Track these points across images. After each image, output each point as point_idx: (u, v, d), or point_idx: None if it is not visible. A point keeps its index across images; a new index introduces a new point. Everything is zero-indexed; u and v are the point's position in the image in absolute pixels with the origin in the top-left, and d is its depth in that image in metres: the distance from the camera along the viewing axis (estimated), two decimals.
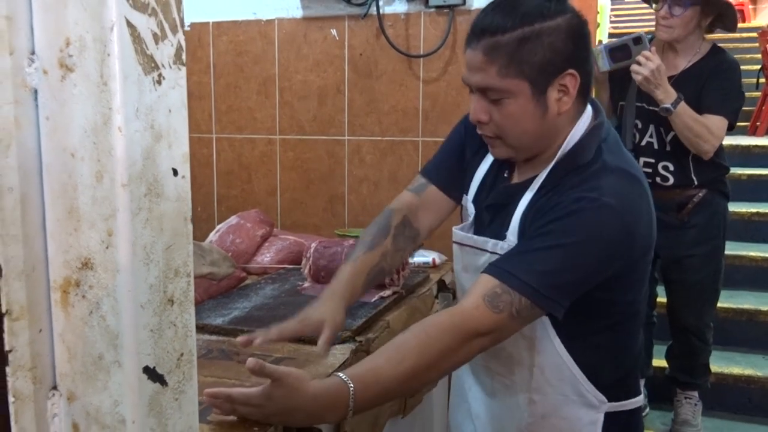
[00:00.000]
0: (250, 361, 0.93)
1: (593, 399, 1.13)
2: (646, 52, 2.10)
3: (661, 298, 2.53)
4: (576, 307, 1.03)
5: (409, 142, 2.28)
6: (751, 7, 8.58)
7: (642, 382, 2.57)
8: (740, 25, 6.72)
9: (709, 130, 2.13)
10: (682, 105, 2.10)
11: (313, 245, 1.82)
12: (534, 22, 1.00)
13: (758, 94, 4.97)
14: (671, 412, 2.52)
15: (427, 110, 2.25)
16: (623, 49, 2.16)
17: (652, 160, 2.28)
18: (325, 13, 2.31)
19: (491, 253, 1.15)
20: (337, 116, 2.35)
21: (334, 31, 2.32)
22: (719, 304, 2.47)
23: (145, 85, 0.43)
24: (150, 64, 0.44)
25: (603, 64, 2.19)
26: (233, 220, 2.04)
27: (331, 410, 0.94)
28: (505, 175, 1.21)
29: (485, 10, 1.04)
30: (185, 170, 0.47)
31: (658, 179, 2.28)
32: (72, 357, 0.45)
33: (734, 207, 3.34)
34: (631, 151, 2.30)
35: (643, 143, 2.29)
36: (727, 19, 2.23)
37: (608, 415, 1.15)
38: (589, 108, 1.13)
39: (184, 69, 0.47)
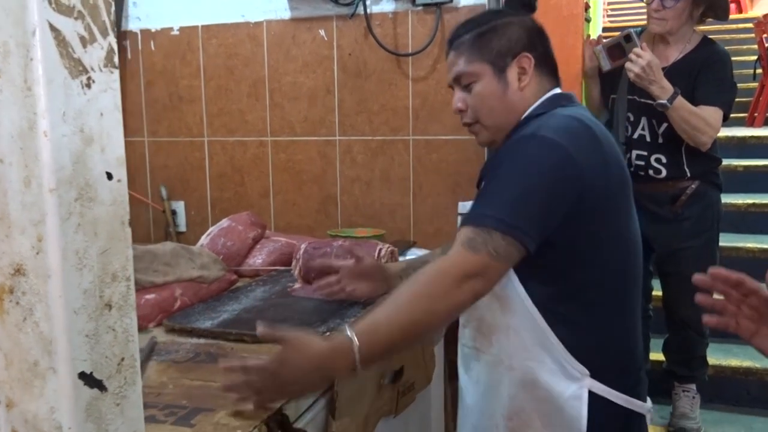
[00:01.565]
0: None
1: (573, 370, 1.14)
2: (636, 49, 2.10)
3: (657, 292, 2.51)
4: (542, 268, 1.12)
5: (399, 141, 2.28)
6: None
7: None
8: (737, 15, 6.69)
9: (706, 122, 2.13)
10: (679, 99, 2.09)
11: (303, 246, 1.82)
12: (489, 21, 1.27)
13: (755, 85, 4.94)
14: (669, 406, 2.50)
15: (417, 109, 2.24)
16: (618, 48, 2.18)
17: (645, 153, 2.27)
18: (312, 13, 2.31)
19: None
20: (327, 117, 2.34)
21: (322, 32, 2.31)
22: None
23: (72, 89, 0.43)
24: (77, 68, 0.44)
25: (604, 64, 2.23)
26: (225, 222, 2.04)
27: (340, 366, 1.01)
28: None
29: (455, 27, 1.32)
30: (121, 174, 0.47)
31: (651, 171, 2.27)
32: (9, 364, 0.45)
33: (730, 198, 3.32)
34: (624, 144, 2.29)
35: (636, 136, 2.28)
36: (719, 8, 2.22)
37: (597, 398, 1.15)
38: (557, 90, 1.28)
39: (116, 72, 0.46)
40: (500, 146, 1.27)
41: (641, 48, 2.11)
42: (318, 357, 1.00)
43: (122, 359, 0.48)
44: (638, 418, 1.21)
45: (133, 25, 2.54)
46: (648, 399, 1.25)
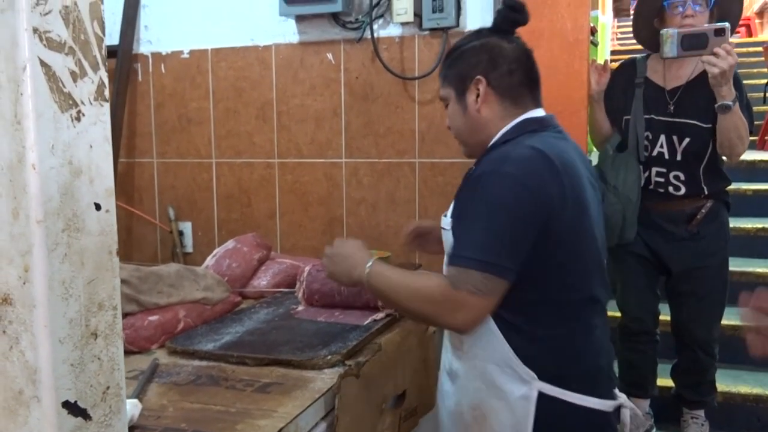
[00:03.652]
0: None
1: (523, 374, 1.24)
2: (727, 45, 1.99)
3: (663, 316, 2.49)
4: None
5: (405, 163, 2.29)
6: (757, 21, 8.52)
7: (647, 403, 2.53)
8: (746, 39, 6.68)
9: (747, 133, 2.13)
10: (737, 104, 2.08)
11: (307, 269, 1.83)
12: (460, 46, 1.36)
13: (765, 108, 4.91)
14: None
15: (423, 132, 2.25)
16: (699, 38, 2.01)
17: (664, 170, 2.27)
18: (320, 37, 2.34)
19: (442, 228, 1.37)
20: (334, 139, 2.36)
21: (330, 56, 2.34)
22: (726, 321, 2.42)
23: (62, 123, 0.44)
24: (68, 102, 0.45)
25: (669, 50, 2.04)
26: (230, 244, 2.05)
27: (355, 269, 1.35)
28: None
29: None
30: (109, 204, 0.47)
31: (670, 188, 2.27)
32: None
33: (739, 222, 3.29)
34: (643, 162, 2.29)
35: (654, 153, 2.28)
36: (732, 16, 2.22)
37: (549, 399, 1.23)
38: (533, 113, 1.33)
39: (106, 105, 0.47)
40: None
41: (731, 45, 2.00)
42: (351, 255, 1.38)
43: (107, 388, 0.48)
44: (603, 416, 1.28)
45: (144, 48, 2.58)
46: (617, 393, 1.33)
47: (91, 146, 0.46)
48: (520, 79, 1.31)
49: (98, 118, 0.47)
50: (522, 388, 1.24)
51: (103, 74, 0.48)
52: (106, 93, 0.48)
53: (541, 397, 1.23)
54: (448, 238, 1.30)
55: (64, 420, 0.46)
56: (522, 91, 1.32)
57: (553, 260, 1.22)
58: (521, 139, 1.26)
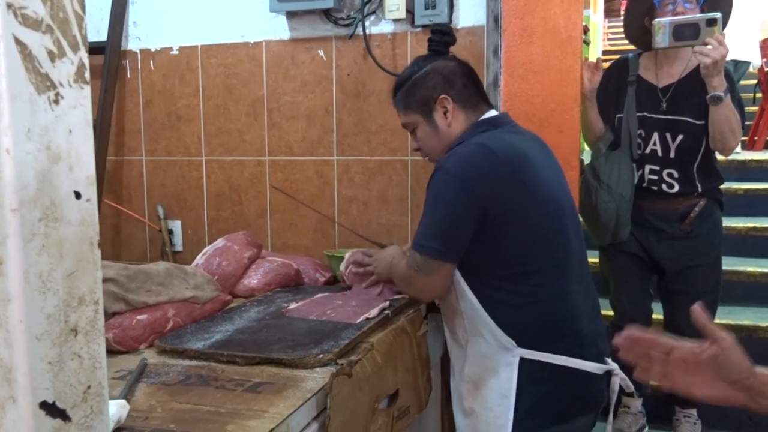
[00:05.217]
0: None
1: (504, 341, 1.41)
2: (718, 36, 1.99)
3: (656, 315, 2.48)
4: (473, 266, 1.43)
5: (398, 161, 2.26)
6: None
7: (639, 402, 2.52)
8: None
9: (739, 127, 2.12)
10: (728, 96, 2.07)
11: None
12: (410, 77, 1.54)
13: (755, 109, 4.94)
14: (670, 429, 2.46)
15: None
16: (691, 28, 2.01)
17: (657, 167, 2.27)
18: (312, 34, 2.31)
19: None
20: (325, 136, 2.34)
21: (321, 52, 2.31)
22: (718, 320, 2.43)
23: (38, 105, 0.41)
24: (45, 83, 0.42)
25: (661, 40, 2.04)
26: (220, 242, 2.02)
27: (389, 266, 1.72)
28: None
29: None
30: (90, 193, 0.45)
31: (664, 186, 2.26)
32: None
33: (731, 222, 3.30)
34: (636, 160, 2.28)
35: (648, 151, 2.27)
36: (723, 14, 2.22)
37: (530, 363, 1.39)
38: (486, 115, 1.53)
39: (87, 88, 0.45)
40: None
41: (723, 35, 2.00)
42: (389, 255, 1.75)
43: (88, 387, 0.46)
44: (584, 376, 1.41)
45: (132, 44, 2.54)
46: (608, 361, 1.46)
47: (70, 131, 0.44)
48: (472, 89, 1.53)
49: (78, 102, 0.44)
50: (505, 356, 1.41)
51: (84, 55, 0.45)
52: (87, 75, 0.45)
53: (523, 361, 1.39)
54: None
55: (42, 422, 0.44)
56: (476, 98, 1.53)
57: (506, 238, 1.39)
58: (473, 139, 1.44)
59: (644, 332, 1.02)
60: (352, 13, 2.23)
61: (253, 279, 1.98)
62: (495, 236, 1.39)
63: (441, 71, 1.52)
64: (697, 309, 0.98)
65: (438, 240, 1.41)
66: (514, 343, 1.40)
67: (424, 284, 1.48)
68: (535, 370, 1.40)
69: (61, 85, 0.43)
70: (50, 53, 0.42)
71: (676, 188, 2.25)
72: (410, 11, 2.17)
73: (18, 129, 0.40)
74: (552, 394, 1.41)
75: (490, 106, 1.56)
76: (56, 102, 0.43)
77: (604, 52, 6.10)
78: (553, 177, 1.49)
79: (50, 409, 0.44)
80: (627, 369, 2.49)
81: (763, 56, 5.03)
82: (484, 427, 1.45)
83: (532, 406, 1.40)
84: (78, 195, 0.45)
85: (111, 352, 1.44)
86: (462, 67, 1.55)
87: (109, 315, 1.47)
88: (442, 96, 1.49)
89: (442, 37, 1.59)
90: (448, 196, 1.40)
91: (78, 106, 0.44)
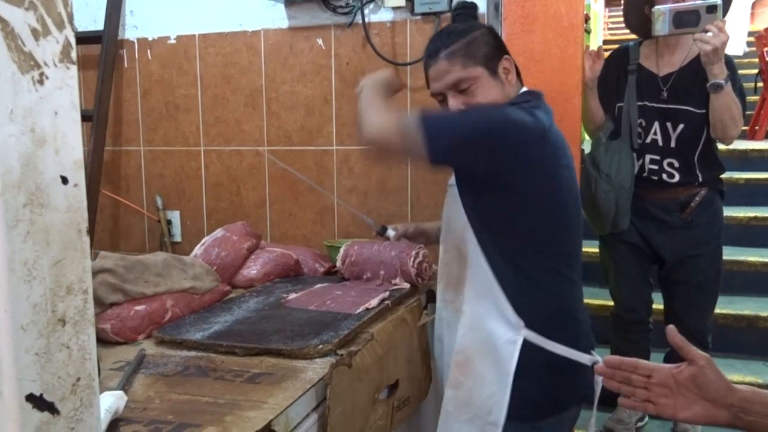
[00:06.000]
0: None
1: (512, 318, 1.34)
2: (719, 22, 1.97)
3: (656, 305, 2.47)
4: (492, 219, 1.34)
5: None
6: (749, 12, 8.52)
7: None
8: None
9: (740, 115, 2.11)
10: (729, 84, 2.05)
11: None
12: (469, 32, 1.42)
13: (756, 98, 4.91)
14: (670, 422, 2.45)
15: None
16: (691, 15, 1.99)
17: (658, 157, 2.25)
18: (310, 22, 2.29)
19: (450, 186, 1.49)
20: (325, 126, 2.32)
21: (320, 41, 2.29)
22: (718, 310, 2.41)
23: (21, 85, 0.40)
24: (29, 63, 0.40)
25: (661, 27, 2.02)
26: (219, 233, 2.00)
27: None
28: None
29: (431, 40, 1.46)
30: (78, 178, 0.43)
31: (664, 176, 2.25)
32: None
33: (732, 212, 3.28)
34: (637, 149, 2.26)
35: (648, 140, 2.25)
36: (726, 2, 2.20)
37: (532, 347, 1.33)
38: (524, 88, 1.47)
39: (73, 68, 0.43)
40: None
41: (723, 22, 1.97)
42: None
43: (78, 379, 0.44)
44: (580, 367, 1.37)
45: (129, 33, 2.52)
46: (593, 353, 1.40)
47: (56, 113, 0.42)
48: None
49: (64, 82, 0.43)
50: (509, 333, 1.34)
51: (69, 34, 0.44)
52: (73, 55, 0.44)
53: (525, 343, 1.34)
54: (455, 193, 1.40)
55: (29, 415, 0.42)
56: (517, 70, 1.48)
57: (543, 211, 1.33)
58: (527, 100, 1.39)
59: (623, 359, 1.05)
60: (351, 1, 2.21)
61: (252, 269, 1.97)
62: (533, 205, 1.32)
63: (494, 36, 1.46)
64: (672, 329, 1.02)
65: (440, 134, 1.24)
66: (522, 323, 1.34)
67: (395, 143, 1.27)
68: (535, 356, 1.34)
69: (45, 64, 0.41)
70: (34, 31, 0.40)
71: (677, 178, 2.24)
72: None
73: (0, 110, 0.39)
74: (549, 379, 1.37)
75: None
76: (41, 82, 0.41)
77: (605, 42, 6.06)
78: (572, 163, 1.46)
79: (37, 401, 0.42)
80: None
81: (763, 45, 5.00)
82: (478, 401, 1.38)
83: (529, 392, 1.35)
84: (65, 180, 0.43)
85: (109, 343, 1.43)
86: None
87: (106, 306, 1.46)
88: (506, 56, 1.43)
89: (466, 10, 1.53)
90: (522, 116, 1.29)
91: (64, 87, 0.43)
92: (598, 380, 1.40)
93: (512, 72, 1.44)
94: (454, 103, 1.39)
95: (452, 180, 1.45)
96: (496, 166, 1.27)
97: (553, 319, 1.37)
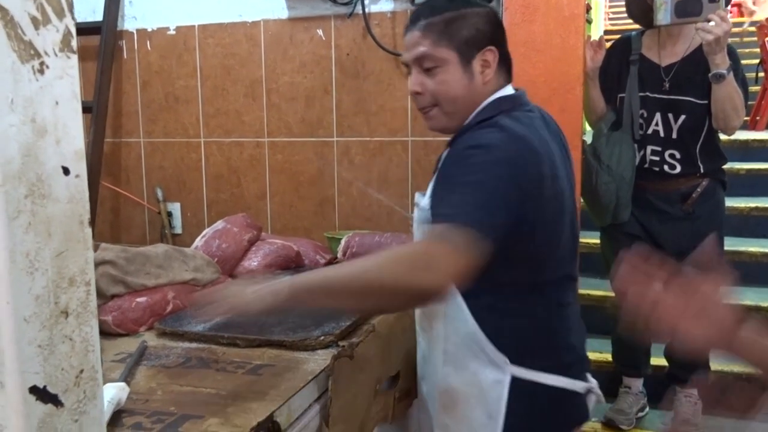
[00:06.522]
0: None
1: (494, 357, 1.21)
2: (721, 12, 1.95)
3: None
4: None
5: (398, 142, 2.24)
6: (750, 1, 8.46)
7: (640, 382, 2.52)
8: (739, 19, 6.66)
9: (742, 105, 2.10)
10: (731, 74, 2.04)
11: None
12: (459, 8, 1.22)
13: (758, 88, 4.89)
14: (671, 412, 2.46)
15: (416, 110, 2.20)
16: (693, 4, 1.96)
17: (659, 148, 2.24)
18: (310, 13, 2.27)
19: (416, 206, 1.33)
20: (325, 117, 2.31)
21: (320, 32, 2.28)
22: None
23: (22, 75, 0.39)
24: (29, 52, 0.40)
25: (663, 17, 2.00)
26: (219, 224, 2.00)
27: (270, 290, 1.08)
28: None
29: (420, 4, 1.33)
30: (80, 168, 0.43)
31: (666, 167, 2.24)
32: None
33: (733, 202, 3.27)
34: (638, 140, 2.25)
35: (650, 131, 2.25)
36: None
37: (522, 382, 1.22)
38: (505, 90, 1.27)
39: (74, 57, 0.42)
40: (451, 137, 1.28)
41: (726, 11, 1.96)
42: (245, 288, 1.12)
43: (81, 371, 0.44)
44: (574, 396, 1.27)
45: (129, 24, 2.50)
46: (589, 377, 1.31)
47: (57, 102, 0.41)
48: (509, 56, 1.29)
49: (65, 72, 0.42)
50: (494, 373, 1.22)
51: (70, 23, 0.43)
52: (74, 44, 0.43)
53: (514, 380, 1.22)
54: (422, 217, 1.26)
55: (32, 407, 0.42)
56: (509, 68, 1.29)
57: (531, 244, 1.18)
58: (497, 120, 1.19)
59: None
60: None
61: (253, 261, 1.96)
62: (522, 238, 1.16)
63: (492, 20, 1.25)
64: (713, 239, 0.92)
65: (483, 211, 1.07)
66: (506, 360, 1.21)
67: (458, 268, 1.03)
68: (526, 390, 1.22)
69: (46, 53, 0.41)
70: (34, 19, 0.40)
71: (678, 169, 2.23)
72: None
73: (0, 99, 0.38)
74: (542, 414, 1.26)
75: (511, 80, 1.31)
76: (41, 72, 0.41)
77: (606, 32, 6.03)
78: (566, 176, 1.28)
79: (41, 393, 0.42)
80: (622, 355, 2.38)
81: (764, 35, 4.98)
82: None
83: (520, 427, 1.24)
84: (66, 170, 0.42)
85: (110, 334, 1.43)
86: (504, 29, 1.30)
87: (108, 297, 1.46)
88: (490, 48, 1.22)
89: None
90: (493, 173, 1.11)
91: (65, 76, 0.42)
92: (590, 405, 1.32)
93: (492, 68, 1.23)
94: (413, 81, 1.24)
95: (418, 198, 1.32)
96: None
97: (542, 349, 1.25)
